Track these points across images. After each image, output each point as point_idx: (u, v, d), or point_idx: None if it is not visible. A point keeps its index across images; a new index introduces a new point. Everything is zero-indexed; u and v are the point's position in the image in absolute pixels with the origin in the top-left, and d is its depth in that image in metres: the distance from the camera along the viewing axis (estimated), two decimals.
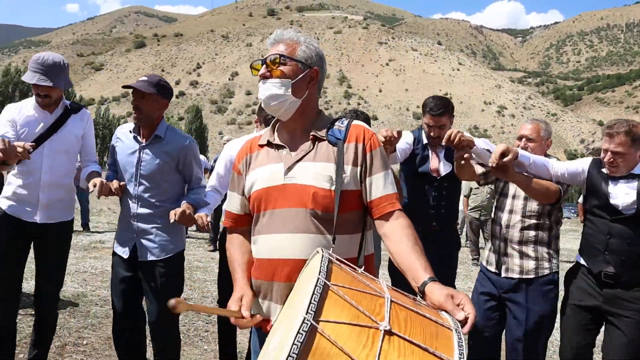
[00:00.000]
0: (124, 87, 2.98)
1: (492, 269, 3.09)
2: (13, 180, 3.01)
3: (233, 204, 1.94)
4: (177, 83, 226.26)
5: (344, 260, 1.43)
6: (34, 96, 3.00)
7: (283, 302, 1.68)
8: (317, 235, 1.69)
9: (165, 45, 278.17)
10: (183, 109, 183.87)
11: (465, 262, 9.63)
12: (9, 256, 2.98)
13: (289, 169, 1.74)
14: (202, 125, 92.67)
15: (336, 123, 1.81)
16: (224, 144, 8.51)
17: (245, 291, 1.74)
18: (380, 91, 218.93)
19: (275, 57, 1.75)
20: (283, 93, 1.73)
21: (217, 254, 8.45)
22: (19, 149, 2.55)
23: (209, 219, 2.89)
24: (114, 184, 2.82)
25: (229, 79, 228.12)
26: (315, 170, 1.71)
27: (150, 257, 2.90)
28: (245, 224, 1.91)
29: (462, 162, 2.76)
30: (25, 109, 3.01)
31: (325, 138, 1.76)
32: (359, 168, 1.74)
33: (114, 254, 3.03)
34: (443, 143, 2.79)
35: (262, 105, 1.81)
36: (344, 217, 1.71)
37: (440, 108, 3.35)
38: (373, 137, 1.80)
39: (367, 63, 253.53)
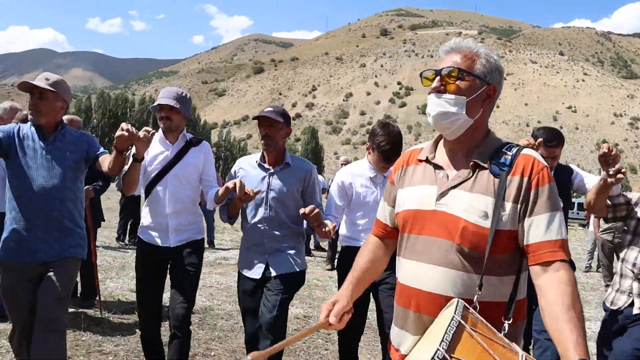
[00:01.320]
0: (254, 118, 3.14)
1: (621, 307, 2.93)
2: (146, 211, 3.33)
3: (381, 213, 1.87)
4: (294, 105, 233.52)
5: (484, 321, 1.32)
6: (159, 130, 3.29)
7: (416, 334, 1.60)
8: (461, 272, 1.53)
9: (282, 70, 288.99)
10: (299, 131, 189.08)
11: (597, 289, 8.91)
12: (150, 278, 3.32)
13: (442, 194, 1.59)
14: (318, 145, 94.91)
15: (503, 149, 1.59)
16: (342, 164, 8.69)
17: (340, 297, 1.68)
18: (497, 107, 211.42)
19: (451, 69, 1.57)
20: (456, 111, 1.56)
21: (335, 273, 8.59)
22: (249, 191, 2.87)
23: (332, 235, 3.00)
24: (249, 188, 2.95)
25: (344, 100, 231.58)
26: (470, 202, 1.53)
27: (281, 272, 3.09)
28: (393, 237, 1.81)
29: (615, 178, 2.63)
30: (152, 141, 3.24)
31: (487, 167, 1.56)
32: (519, 205, 1.51)
33: (242, 276, 3.22)
34: (600, 156, 2.71)
35: (430, 120, 1.64)
36: (496, 257, 1.51)
37: (554, 139, 3.28)
38: (544, 170, 1.53)
39: None
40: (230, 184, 2.96)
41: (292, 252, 3.15)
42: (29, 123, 3.01)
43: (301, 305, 6.07)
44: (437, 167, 1.65)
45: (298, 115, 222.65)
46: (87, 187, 4.68)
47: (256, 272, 3.13)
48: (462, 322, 1.25)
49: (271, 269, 3.10)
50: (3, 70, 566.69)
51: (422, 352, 1.27)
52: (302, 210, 2.88)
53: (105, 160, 2.97)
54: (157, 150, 3.29)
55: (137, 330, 4.52)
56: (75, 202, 3.03)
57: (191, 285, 3.31)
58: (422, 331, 1.57)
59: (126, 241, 10.10)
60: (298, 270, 3.16)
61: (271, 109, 3.10)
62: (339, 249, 9.57)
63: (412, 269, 1.63)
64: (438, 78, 1.59)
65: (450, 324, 1.22)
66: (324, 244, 9.36)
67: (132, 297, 5.80)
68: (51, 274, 2.87)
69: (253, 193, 2.90)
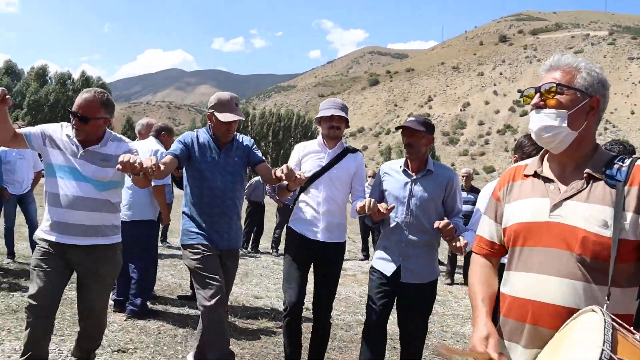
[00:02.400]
0: (397, 128, 3.38)
1: None
2: (302, 206, 3.64)
3: (487, 231, 1.88)
4: (409, 116, 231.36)
5: (629, 328, 1.27)
6: (319, 136, 3.69)
7: (528, 346, 1.60)
8: (584, 283, 1.53)
9: (398, 81, 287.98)
10: None
11: None
12: (299, 263, 3.60)
13: (556, 206, 1.62)
14: (434, 157, 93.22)
15: (615, 161, 1.61)
16: (463, 176, 8.47)
17: (490, 330, 1.65)
18: (632, 113, 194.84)
19: (550, 86, 1.63)
20: (558, 125, 1.61)
21: (454, 288, 8.37)
22: (299, 175, 3.09)
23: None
24: (383, 205, 3.10)
25: (461, 110, 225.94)
26: (588, 212, 1.55)
27: (413, 280, 3.18)
28: (499, 255, 1.84)
29: None
30: (310, 146, 3.68)
31: (602, 178, 1.58)
32: None
33: (374, 270, 3.37)
34: None
35: (533, 136, 1.70)
36: (620, 268, 1.50)
37: None
38: None
39: (615, 82, 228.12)
40: (361, 204, 3.12)
41: (427, 260, 3.25)
42: (204, 131, 3.51)
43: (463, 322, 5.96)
44: (547, 180, 1.68)
45: None
46: None
47: (388, 270, 3.25)
48: (615, 325, 1.23)
49: (404, 274, 3.19)
50: (140, 89, 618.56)
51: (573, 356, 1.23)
52: (436, 224, 2.94)
53: (262, 170, 3.51)
54: (316, 153, 3.63)
55: (262, 335, 4.72)
56: (240, 200, 3.59)
57: (334, 282, 3.66)
58: (537, 343, 1.56)
59: (249, 249, 10.54)
60: (434, 279, 3.28)
61: (413, 118, 3.26)
62: (459, 263, 9.39)
63: (528, 281, 1.63)
64: (538, 95, 1.66)
65: (605, 326, 1.19)
66: (443, 257, 9.14)
67: (256, 303, 6.05)
68: (228, 263, 3.53)
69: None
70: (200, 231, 3.42)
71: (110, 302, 5.13)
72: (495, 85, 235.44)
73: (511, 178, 1.82)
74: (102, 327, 3.28)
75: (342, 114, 3.56)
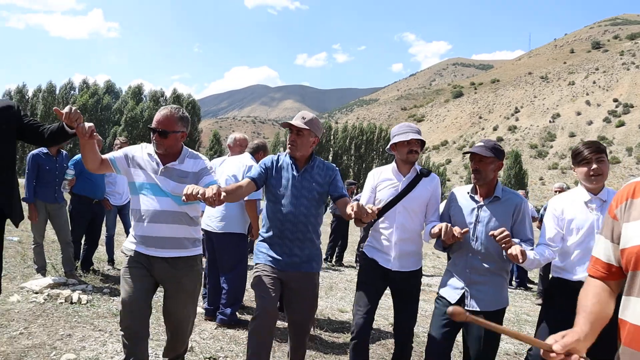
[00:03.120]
0: (464, 153, 3.34)
1: None
2: (375, 234, 3.60)
3: (602, 251, 1.74)
4: (495, 129, 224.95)
5: None
6: (394, 162, 3.63)
7: None
8: None
9: (482, 93, 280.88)
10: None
11: None
12: (371, 288, 3.56)
13: None
14: (521, 170, 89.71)
15: None
16: (556, 191, 8.11)
17: (572, 332, 1.57)
18: None
19: None
20: None
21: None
22: (369, 210, 2.95)
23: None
24: (456, 229, 3.06)
25: (550, 122, 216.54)
26: None
27: (477, 308, 3.12)
28: (616, 278, 1.70)
29: None
30: (385, 173, 3.64)
31: None
32: None
33: (440, 297, 3.33)
34: None
35: None
36: None
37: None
38: None
39: None
40: (436, 229, 3.08)
41: (494, 287, 3.16)
42: (286, 153, 3.51)
43: (511, 340, 5.75)
44: None
45: (499, 139, 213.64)
46: None
47: (453, 296, 3.21)
48: None
49: (471, 301, 3.15)
50: (227, 105, 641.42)
51: None
52: (491, 233, 2.91)
53: (340, 204, 3.37)
54: (390, 181, 3.58)
55: (347, 349, 4.72)
56: (316, 225, 3.48)
57: (412, 307, 3.56)
58: None
59: (333, 262, 10.62)
60: (501, 307, 3.19)
61: (482, 144, 3.19)
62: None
63: None
64: None
65: None
66: (533, 276, 8.76)
67: (341, 317, 6.06)
68: (295, 286, 3.42)
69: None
70: (268, 252, 3.44)
71: (202, 310, 5.34)
72: (587, 94, 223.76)
73: (630, 194, 1.66)
74: (186, 333, 3.40)
75: (419, 137, 3.51)
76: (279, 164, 3.49)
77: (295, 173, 3.41)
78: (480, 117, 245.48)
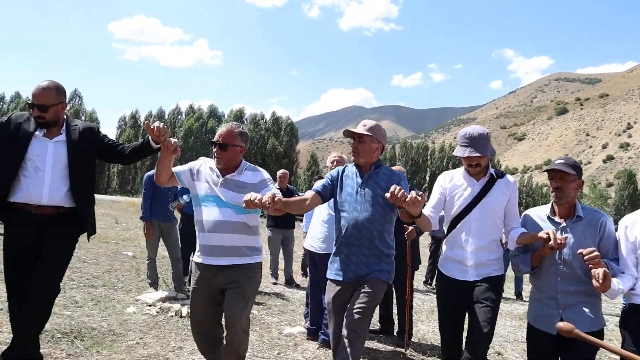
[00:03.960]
0: (544, 171, 3.18)
1: None
2: (449, 245, 3.50)
3: None
4: (604, 147, 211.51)
5: None
6: (463, 166, 3.46)
7: None
8: None
9: (589, 109, 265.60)
10: (612, 174, 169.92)
11: None
12: (451, 306, 3.45)
13: None
14: (636, 191, 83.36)
15: None
16: None
17: None
18: None
19: None
20: None
21: None
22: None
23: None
24: (564, 236, 2.95)
25: None
26: None
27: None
28: None
29: None
30: (456, 177, 3.49)
31: None
32: None
33: (533, 329, 3.18)
34: None
35: None
36: None
37: None
38: None
39: None
40: (544, 234, 2.95)
41: (590, 308, 2.99)
42: (353, 163, 3.53)
43: None
44: None
45: (610, 158, 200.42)
46: (410, 227, 4.98)
47: (551, 328, 2.98)
48: None
49: None
50: (324, 126, 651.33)
51: None
52: (579, 251, 2.79)
53: None
54: (462, 185, 3.44)
55: None
56: (382, 232, 3.36)
57: (490, 321, 3.28)
58: None
59: (433, 285, 10.38)
60: (598, 329, 2.99)
61: (562, 161, 3.07)
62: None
63: None
64: None
65: None
66: None
67: None
68: (361, 289, 3.30)
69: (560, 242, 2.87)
70: (337, 265, 3.44)
71: (304, 329, 5.40)
72: None
73: None
74: (241, 338, 3.38)
75: (476, 154, 3.28)
76: (344, 174, 3.51)
77: (359, 180, 3.41)
78: (588, 135, 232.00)
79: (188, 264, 7.25)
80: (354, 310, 3.23)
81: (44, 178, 3.33)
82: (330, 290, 3.47)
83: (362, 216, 3.31)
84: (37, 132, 3.38)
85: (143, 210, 6.61)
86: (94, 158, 3.63)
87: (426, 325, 6.62)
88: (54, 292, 3.42)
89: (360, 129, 3.43)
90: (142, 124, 69.91)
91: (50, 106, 3.34)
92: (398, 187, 2.91)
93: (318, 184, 3.58)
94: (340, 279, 3.39)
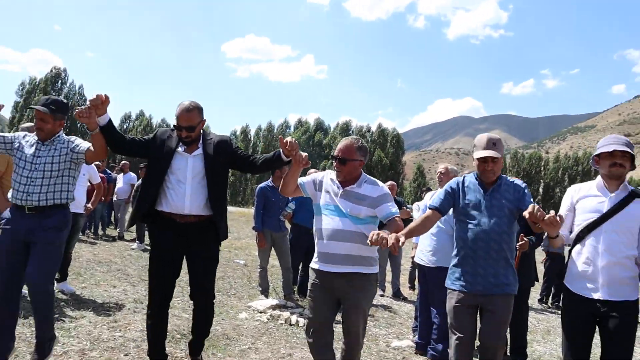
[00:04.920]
0: None
1: None
2: (576, 259, 3.30)
3: None
4: None
5: None
6: (598, 177, 3.34)
7: None
8: None
9: None
10: None
11: None
12: (579, 325, 3.25)
13: None
14: None
15: None
16: None
17: None
18: None
19: None
20: None
21: None
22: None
23: None
24: None
25: None
26: None
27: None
28: None
29: None
30: (586, 188, 3.38)
31: None
32: None
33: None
34: None
35: None
36: None
37: None
38: None
39: None
40: None
41: None
42: (472, 175, 3.57)
43: None
44: None
45: None
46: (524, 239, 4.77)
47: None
48: None
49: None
50: (431, 137, 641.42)
51: None
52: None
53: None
54: (594, 197, 3.28)
55: None
56: (510, 243, 3.41)
57: (626, 347, 3.10)
58: None
59: (549, 304, 9.85)
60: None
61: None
62: None
63: None
64: None
65: None
66: None
67: None
68: (494, 309, 3.36)
69: None
70: (461, 275, 3.45)
71: (412, 343, 5.33)
72: None
73: None
74: (358, 346, 3.54)
75: (626, 149, 3.14)
76: (465, 185, 3.54)
77: (483, 191, 3.45)
78: None
79: (297, 273, 7.42)
80: (492, 334, 3.36)
81: (185, 190, 3.61)
82: (452, 299, 3.49)
83: (490, 227, 3.35)
84: (178, 148, 3.67)
85: (255, 220, 6.87)
86: (228, 169, 3.85)
87: (542, 346, 6.26)
88: (213, 296, 3.92)
89: (493, 152, 3.39)
90: (252, 137, 72.76)
91: (196, 126, 3.62)
92: (536, 207, 2.91)
93: (434, 200, 3.62)
94: (467, 290, 3.42)
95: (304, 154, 3.42)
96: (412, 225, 3.46)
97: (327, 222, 3.47)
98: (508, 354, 5.47)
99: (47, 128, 3.72)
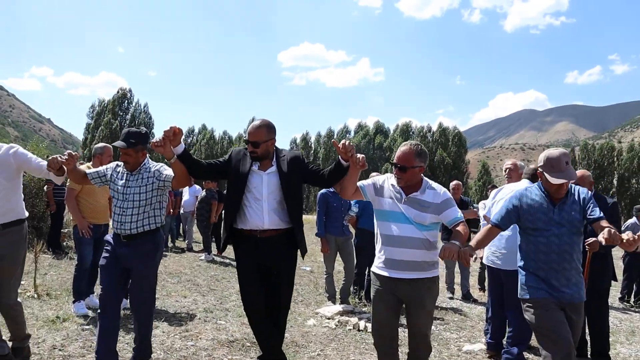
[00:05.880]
0: None
1: None
2: None
3: None
4: None
5: None
6: None
7: None
8: None
9: None
10: None
11: None
12: None
13: None
14: None
15: None
16: None
17: None
18: None
19: None
20: None
21: None
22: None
23: None
24: None
25: None
26: None
27: None
28: None
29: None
30: None
31: None
32: None
33: None
34: None
35: None
36: None
37: None
38: None
39: None
40: None
41: None
42: (536, 186, 3.53)
43: None
44: None
45: None
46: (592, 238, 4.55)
47: None
48: None
49: None
50: (494, 133, 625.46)
51: None
52: None
53: (597, 228, 3.22)
54: None
55: None
56: (579, 253, 3.41)
57: None
58: None
59: (631, 302, 9.33)
60: None
61: None
62: None
63: None
64: None
65: None
66: None
67: None
68: (574, 317, 3.35)
69: None
70: (538, 285, 3.40)
71: (484, 347, 5.17)
72: None
73: None
74: (427, 349, 3.57)
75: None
76: (530, 199, 3.48)
77: (552, 207, 3.39)
78: None
79: (363, 278, 7.37)
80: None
81: (263, 206, 3.74)
82: (537, 308, 3.38)
83: (560, 241, 3.34)
84: (253, 167, 3.79)
85: (318, 226, 6.88)
86: (301, 183, 3.94)
87: (627, 348, 5.91)
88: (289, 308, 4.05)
89: (569, 174, 3.32)
90: (312, 144, 73.32)
91: (262, 143, 3.71)
92: (612, 231, 2.97)
93: (496, 215, 3.64)
94: (550, 297, 3.36)
95: (361, 155, 3.43)
96: (478, 237, 3.55)
97: (391, 228, 3.46)
98: (589, 356, 5.21)
99: (131, 160, 3.92)
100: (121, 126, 61.76)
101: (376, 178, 3.70)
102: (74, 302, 5.59)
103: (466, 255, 3.09)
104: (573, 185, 3.48)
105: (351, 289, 7.06)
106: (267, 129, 3.75)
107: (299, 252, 3.94)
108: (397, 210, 3.45)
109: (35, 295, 6.03)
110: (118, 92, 64.74)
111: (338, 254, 7.06)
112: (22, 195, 4.01)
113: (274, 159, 3.83)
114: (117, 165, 4.08)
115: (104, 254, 3.94)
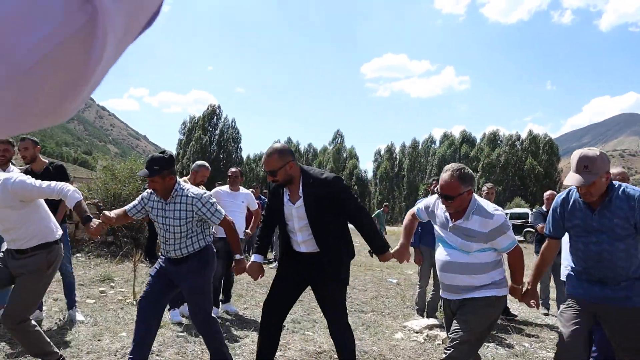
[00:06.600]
0: None
1: None
2: None
3: None
4: None
5: None
6: None
7: None
8: None
9: None
10: None
11: None
12: None
13: None
14: None
15: None
16: None
17: None
18: None
19: None
20: None
21: None
22: None
23: None
24: None
25: None
26: None
27: None
28: None
29: None
30: None
31: None
32: None
33: None
34: None
35: None
36: None
37: None
38: None
39: None
40: None
41: None
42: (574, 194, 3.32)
43: None
44: None
45: None
46: None
47: None
48: None
49: None
50: (590, 140, 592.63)
51: None
52: None
53: None
54: None
55: None
56: (627, 260, 3.09)
57: None
58: None
59: None
60: None
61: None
62: None
63: None
64: None
65: None
66: None
67: None
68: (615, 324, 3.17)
69: None
70: (578, 285, 3.32)
71: None
72: None
73: None
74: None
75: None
76: (570, 204, 3.31)
77: (591, 212, 3.17)
78: None
79: None
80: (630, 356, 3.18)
81: (297, 237, 3.80)
82: (569, 309, 3.36)
83: (601, 248, 3.12)
84: (284, 199, 3.81)
85: (413, 236, 6.74)
86: (334, 205, 3.72)
87: None
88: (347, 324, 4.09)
89: (581, 177, 3.06)
90: (397, 154, 72.78)
91: (278, 170, 3.64)
92: None
93: (547, 226, 3.51)
94: (587, 299, 3.27)
95: None
96: (538, 265, 3.54)
97: (440, 253, 3.49)
98: None
99: (159, 187, 3.80)
100: (210, 141, 64.31)
101: (428, 200, 3.70)
102: (169, 309, 5.83)
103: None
104: (623, 185, 3.16)
105: (440, 302, 6.88)
106: (278, 155, 3.63)
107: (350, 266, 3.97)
108: (445, 235, 3.45)
109: (134, 302, 6.35)
110: (208, 108, 67.69)
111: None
112: (48, 217, 3.96)
113: (301, 190, 3.71)
114: (151, 193, 3.98)
115: (156, 265, 4.06)
